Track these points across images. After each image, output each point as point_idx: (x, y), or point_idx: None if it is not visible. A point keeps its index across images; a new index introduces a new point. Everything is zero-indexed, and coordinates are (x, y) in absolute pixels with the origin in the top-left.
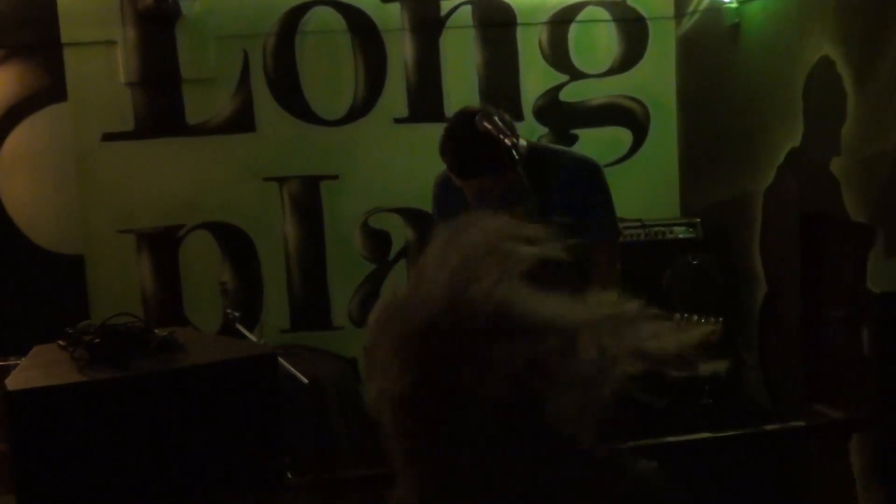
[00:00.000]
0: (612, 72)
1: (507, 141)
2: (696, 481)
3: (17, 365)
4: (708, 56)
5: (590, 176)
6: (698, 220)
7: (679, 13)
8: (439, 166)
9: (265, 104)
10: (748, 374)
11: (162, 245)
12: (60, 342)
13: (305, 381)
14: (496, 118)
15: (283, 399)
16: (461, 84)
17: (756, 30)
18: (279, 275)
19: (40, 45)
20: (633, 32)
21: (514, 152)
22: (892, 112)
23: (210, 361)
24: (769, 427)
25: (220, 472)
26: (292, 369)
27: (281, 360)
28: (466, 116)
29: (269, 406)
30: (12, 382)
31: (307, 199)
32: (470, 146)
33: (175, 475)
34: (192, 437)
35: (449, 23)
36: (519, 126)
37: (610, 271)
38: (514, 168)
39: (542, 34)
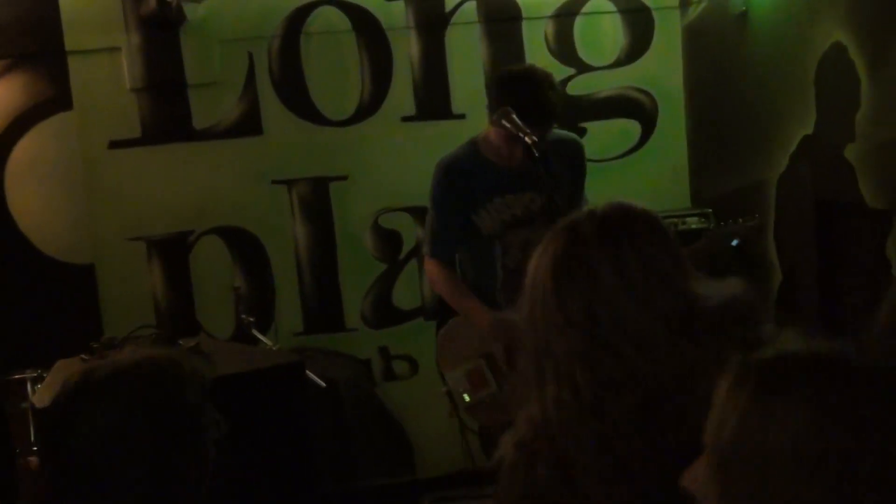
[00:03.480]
0: (618, 63)
1: (527, 139)
2: None
3: (32, 377)
4: (715, 44)
5: (578, 154)
6: (710, 210)
7: (684, 2)
8: None
9: (272, 107)
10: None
11: (172, 251)
12: (84, 356)
13: (323, 384)
14: (514, 116)
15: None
16: (468, 80)
17: (764, 17)
18: (291, 277)
19: (44, 53)
20: (639, 23)
21: (534, 150)
22: None
23: (239, 371)
24: None
25: (253, 482)
26: (309, 373)
27: None
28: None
29: (299, 413)
30: (40, 400)
31: (316, 200)
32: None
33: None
34: (222, 447)
35: (454, 19)
36: None
37: None
38: (535, 164)
39: (548, 28)
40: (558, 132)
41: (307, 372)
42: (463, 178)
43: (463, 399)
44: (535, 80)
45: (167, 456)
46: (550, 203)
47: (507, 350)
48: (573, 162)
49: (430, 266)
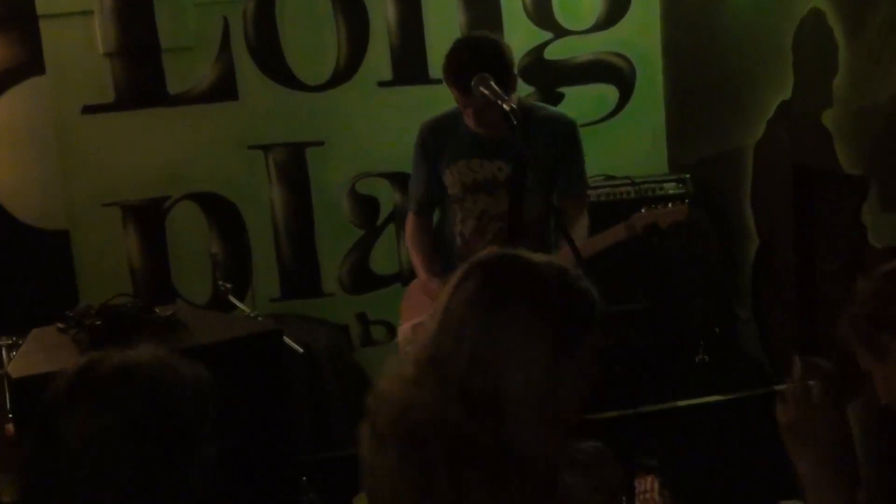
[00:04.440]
0: (596, 28)
1: (504, 106)
2: (693, 443)
3: (7, 344)
4: (694, 9)
5: (567, 132)
6: (688, 175)
7: None
8: None
9: (247, 71)
10: (742, 328)
11: (148, 217)
12: (59, 325)
13: (301, 350)
14: (492, 83)
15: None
16: (445, 45)
17: None
18: (267, 243)
19: (16, 17)
20: None
21: (513, 118)
22: (885, 63)
23: (215, 341)
24: (777, 388)
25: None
26: (287, 339)
27: None
28: (475, 34)
29: (277, 382)
30: (15, 369)
31: (293, 166)
32: (476, 50)
33: None
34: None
35: None
36: None
37: (581, 224)
38: (514, 132)
39: None
40: (551, 110)
41: (284, 338)
42: (435, 136)
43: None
44: (503, 47)
45: (151, 468)
46: (517, 175)
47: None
48: (560, 141)
49: (407, 220)
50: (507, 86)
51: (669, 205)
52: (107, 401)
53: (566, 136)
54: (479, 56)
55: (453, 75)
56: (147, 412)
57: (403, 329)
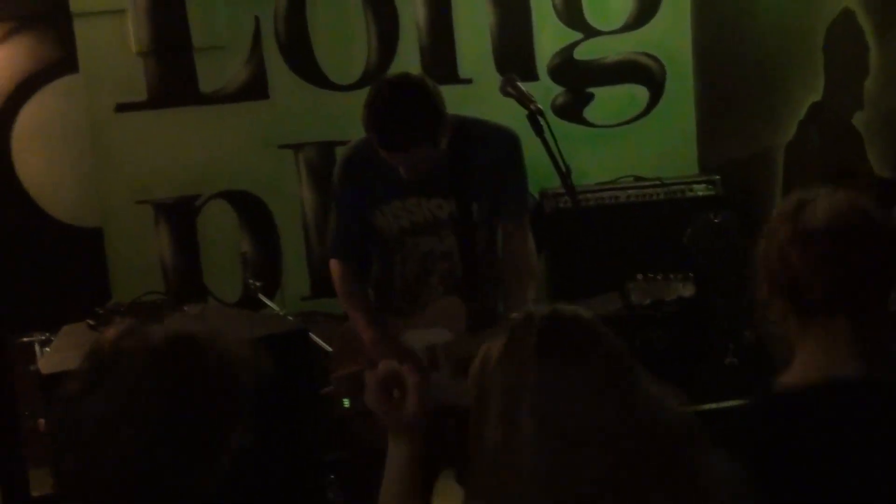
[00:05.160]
0: (626, 28)
1: (532, 106)
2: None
3: (40, 340)
4: (725, 10)
5: (509, 148)
6: (718, 177)
7: None
8: None
9: (278, 70)
10: (772, 331)
11: (179, 215)
12: (90, 322)
13: (329, 349)
14: (520, 84)
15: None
16: (474, 45)
17: None
18: (297, 242)
19: (50, 15)
20: None
21: (541, 119)
22: None
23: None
24: None
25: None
26: (316, 338)
27: None
28: (396, 84)
29: (304, 381)
30: (46, 365)
31: (323, 165)
32: (404, 115)
33: None
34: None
35: None
36: (534, 86)
37: (525, 248)
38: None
39: None
40: (490, 125)
41: (312, 336)
42: (360, 170)
43: (342, 404)
44: (375, 93)
45: (173, 451)
46: (462, 211)
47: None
48: (502, 159)
49: (331, 265)
50: (441, 132)
51: (671, 276)
52: (128, 375)
53: (508, 154)
54: (410, 123)
55: (381, 143)
56: (170, 394)
57: (339, 378)
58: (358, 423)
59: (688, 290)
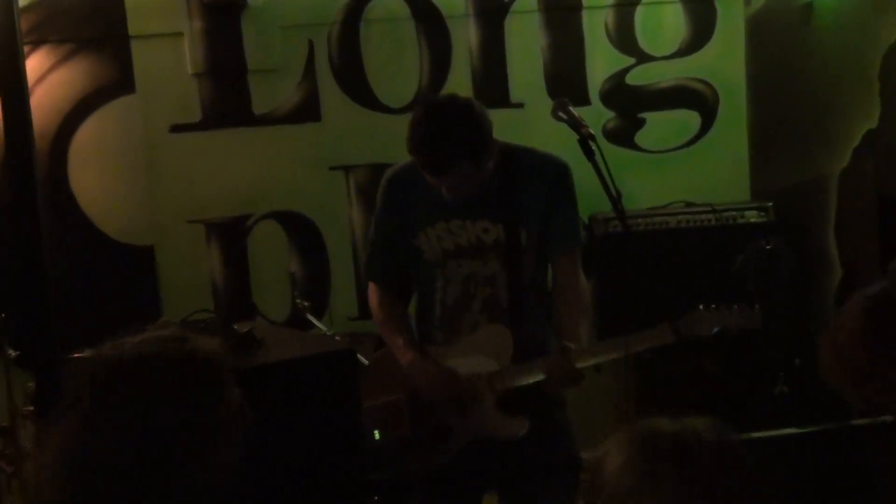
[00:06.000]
0: (679, 54)
1: (583, 131)
2: (775, 480)
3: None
4: (779, 36)
5: (559, 177)
6: (770, 203)
7: None
8: None
9: (330, 93)
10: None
11: (230, 235)
12: None
13: None
14: (571, 108)
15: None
16: (526, 69)
17: (830, 9)
18: (346, 263)
19: (108, 37)
20: (701, 13)
21: (592, 144)
22: None
23: (289, 358)
24: (856, 422)
25: (301, 469)
26: (363, 359)
27: None
28: (440, 105)
29: (349, 401)
30: None
31: (373, 187)
32: (445, 136)
33: (257, 471)
34: (273, 433)
35: (513, 7)
36: (585, 111)
37: (576, 281)
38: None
39: (609, 17)
40: (540, 153)
41: (359, 357)
42: (404, 191)
43: (373, 436)
44: (418, 117)
45: (163, 458)
46: (509, 236)
47: (411, 395)
48: (552, 188)
49: (370, 289)
50: (484, 154)
51: (735, 307)
52: (121, 386)
53: (558, 183)
54: (454, 143)
55: (424, 165)
56: (160, 398)
57: (370, 408)
58: (385, 455)
59: (755, 322)
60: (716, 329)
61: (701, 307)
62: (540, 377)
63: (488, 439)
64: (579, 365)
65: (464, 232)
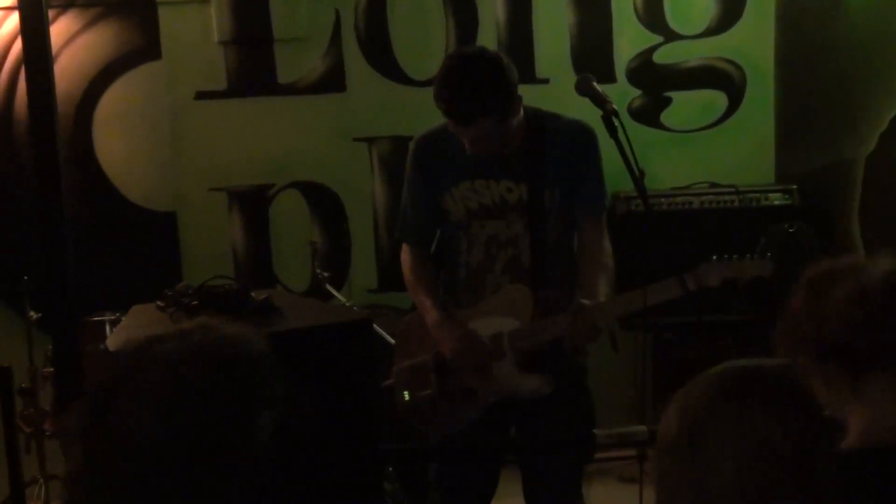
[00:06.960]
0: (707, 33)
1: (608, 106)
2: None
3: (111, 320)
4: (809, 18)
5: (585, 141)
6: (795, 186)
7: None
8: None
9: (356, 64)
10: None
11: (252, 203)
12: (159, 303)
13: (392, 341)
14: (595, 84)
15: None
16: (553, 45)
17: None
18: (367, 234)
19: (135, 3)
20: None
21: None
22: None
23: (307, 326)
24: None
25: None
26: (380, 330)
27: None
28: (468, 56)
29: (365, 371)
30: (112, 343)
31: (396, 159)
32: (472, 86)
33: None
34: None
35: None
36: (611, 88)
37: (600, 242)
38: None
39: None
40: (567, 118)
41: (376, 328)
42: (433, 154)
43: (403, 396)
44: (444, 67)
45: (202, 451)
46: (533, 197)
47: (437, 357)
48: (579, 152)
49: (402, 251)
50: (509, 108)
51: (748, 257)
52: (155, 376)
53: (585, 147)
54: (480, 93)
55: (449, 112)
56: (200, 394)
57: (400, 370)
58: (415, 416)
59: (766, 270)
60: (722, 279)
61: (714, 257)
62: (558, 333)
63: (511, 400)
64: (598, 320)
65: (487, 191)
